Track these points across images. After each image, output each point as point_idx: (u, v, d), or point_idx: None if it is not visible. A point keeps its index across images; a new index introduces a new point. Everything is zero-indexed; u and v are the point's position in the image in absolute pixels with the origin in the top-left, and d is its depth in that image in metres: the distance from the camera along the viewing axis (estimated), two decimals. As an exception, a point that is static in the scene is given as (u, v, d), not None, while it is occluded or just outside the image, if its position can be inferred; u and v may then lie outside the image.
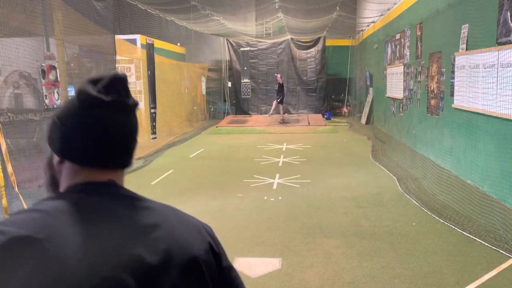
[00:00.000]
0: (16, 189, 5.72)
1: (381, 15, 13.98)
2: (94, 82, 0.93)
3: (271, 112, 17.73)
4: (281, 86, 17.17)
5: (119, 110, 0.93)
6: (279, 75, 17.66)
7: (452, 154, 7.63)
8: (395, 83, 12.16)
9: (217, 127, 16.61)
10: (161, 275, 0.87)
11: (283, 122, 17.11)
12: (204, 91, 19.60)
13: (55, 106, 7.85)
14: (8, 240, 0.79)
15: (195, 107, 18.15)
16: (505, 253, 4.23)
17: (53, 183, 0.99)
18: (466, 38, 7.04)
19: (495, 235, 4.66)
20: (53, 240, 0.81)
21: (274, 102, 17.43)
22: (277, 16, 16.22)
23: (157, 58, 12.45)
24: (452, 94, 7.64)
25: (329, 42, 20.18)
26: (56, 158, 0.96)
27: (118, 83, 0.94)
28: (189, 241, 0.95)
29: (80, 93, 0.93)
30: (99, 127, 0.92)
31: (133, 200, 0.95)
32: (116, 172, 0.98)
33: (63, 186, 0.96)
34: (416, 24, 10.06)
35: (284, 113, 17.59)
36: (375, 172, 8.11)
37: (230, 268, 1.06)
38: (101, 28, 8.33)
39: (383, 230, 5.03)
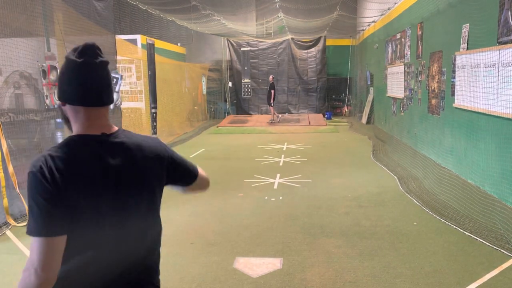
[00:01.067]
0: (17, 189, 5.72)
1: (382, 14, 13.98)
2: (74, 50, 1.45)
3: (272, 118, 17.42)
4: (272, 86, 17.02)
5: (89, 67, 1.45)
6: (271, 76, 17.64)
7: (453, 153, 7.62)
8: (396, 83, 12.15)
9: (217, 127, 16.61)
10: (142, 163, 1.53)
11: (273, 122, 16.99)
12: (204, 91, 19.61)
13: (55, 106, 7.85)
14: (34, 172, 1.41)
15: (195, 107, 18.15)
16: (506, 253, 4.23)
17: (66, 119, 1.53)
18: (467, 37, 7.03)
19: (496, 234, 4.66)
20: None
21: (271, 108, 17.31)
22: (278, 16, 16.22)
23: (158, 58, 12.44)
24: (453, 94, 7.64)
25: (329, 42, 20.18)
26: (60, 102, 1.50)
27: (88, 49, 1.46)
28: (155, 147, 1.62)
29: (65, 58, 1.47)
30: (76, 79, 1.44)
31: (123, 136, 1.56)
32: (99, 109, 1.51)
33: (72, 123, 1.51)
34: (416, 24, 10.05)
35: (274, 113, 17.46)
36: (376, 172, 8.11)
37: (177, 157, 1.71)
38: (101, 28, 8.33)
39: (384, 230, 5.03)
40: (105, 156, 1.46)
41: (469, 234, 4.75)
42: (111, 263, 1.45)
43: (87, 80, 1.45)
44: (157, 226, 1.64)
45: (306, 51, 20.21)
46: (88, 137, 1.47)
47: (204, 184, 1.83)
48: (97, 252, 1.43)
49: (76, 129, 1.49)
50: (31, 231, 1.33)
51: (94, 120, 1.50)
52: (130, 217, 1.49)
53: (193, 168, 1.77)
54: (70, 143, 1.46)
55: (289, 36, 19.77)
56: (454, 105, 7.54)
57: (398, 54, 11.96)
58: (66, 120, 1.54)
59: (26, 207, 5.69)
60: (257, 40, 20.19)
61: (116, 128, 1.58)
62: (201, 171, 1.82)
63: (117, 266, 1.46)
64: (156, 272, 1.62)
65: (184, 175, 1.75)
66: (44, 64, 7.66)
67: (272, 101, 16.93)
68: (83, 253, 1.41)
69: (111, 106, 8.55)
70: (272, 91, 16.85)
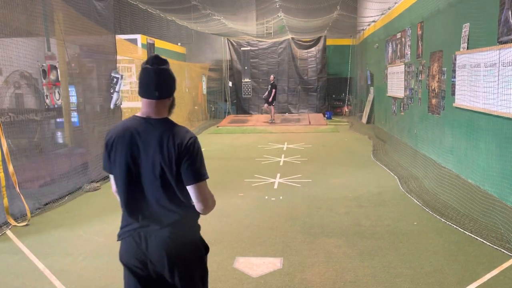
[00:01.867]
0: (17, 189, 5.72)
1: (382, 14, 13.97)
2: (146, 60, 2.10)
3: (272, 117, 17.44)
4: (274, 86, 17.11)
5: (154, 71, 2.08)
6: (272, 76, 17.76)
7: (453, 153, 7.62)
8: (396, 82, 12.15)
9: (218, 126, 16.61)
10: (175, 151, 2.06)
11: (273, 122, 17.09)
12: (204, 91, 19.60)
13: (56, 106, 7.85)
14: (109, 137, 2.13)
15: (196, 107, 18.15)
16: (507, 252, 4.22)
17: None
18: (467, 37, 7.03)
19: (497, 234, 4.66)
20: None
21: (272, 108, 17.37)
22: (278, 15, 16.22)
23: (158, 58, 12.44)
24: (453, 93, 7.63)
25: (329, 42, 20.17)
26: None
27: (150, 59, 2.09)
28: (179, 137, 2.09)
29: (141, 65, 2.10)
30: (145, 79, 2.09)
31: (162, 123, 2.12)
32: (150, 101, 2.11)
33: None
34: (417, 23, 10.05)
35: (274, 113, 17.63)
36: (376, 172, 8.11)
37: (191, 156, 2.09)
38: (101, 28, 8.32)
39: (385, 230, 5.03)
40: (134, 131, 2.11)
41: (470, 234, 4.74)
42: None
43: (142, 81, 2.11)
44: (177, 198, 2.12)
45: (306, 50, 20.20)
46: (135, 117, 2.16)
47: (197, 200, 2.12)
48: None
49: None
50: (204, 175, 2.13)
51: (146, 108, 2.14)
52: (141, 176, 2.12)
53: (195, 175, 2.10)
54: (128, 119, 2.20)
55: (289, 36, 19.76)
56: (454, 104, 7.54)
57: (399, 53, 11.95)
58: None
59: (27, 207, 5.70)
60: (257, 40, 20.19)
61: (163, 117, 2.15)
62: (204, 187, 2.15)
63: None
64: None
65: (185, 172, 2.07)
66: (44, 64, 7.66)
67: (271, 100, 16.97)
68: None
69: (111, 106, 8.55)
70: (274, 91, 16.93)
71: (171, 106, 2.20)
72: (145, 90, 2.10)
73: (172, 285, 2.13)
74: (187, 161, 2.06)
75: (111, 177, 2.26)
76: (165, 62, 2.09)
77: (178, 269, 2.10)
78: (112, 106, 8.59)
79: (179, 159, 2.05)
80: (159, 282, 2.13)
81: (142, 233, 2.11)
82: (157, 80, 2.07)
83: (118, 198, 2.22)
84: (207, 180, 2.14)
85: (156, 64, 2.07)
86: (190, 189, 2.09)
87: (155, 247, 2.09)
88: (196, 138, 2.14)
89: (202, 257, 2.23)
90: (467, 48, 7.02)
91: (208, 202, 2.16)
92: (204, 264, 2.25)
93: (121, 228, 2.19)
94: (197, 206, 2.13)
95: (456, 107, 7.47)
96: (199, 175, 2.09)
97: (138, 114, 2.15)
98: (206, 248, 2.27)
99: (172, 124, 2.13)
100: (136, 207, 2.12)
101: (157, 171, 2.06)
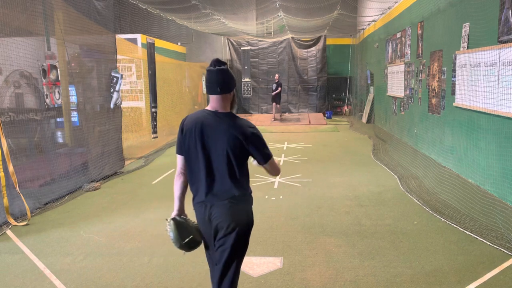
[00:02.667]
0: (17, 188, 5.72)
1: (382, 13, 13.97)
2: (210, 63, 2.56)
3: (275, 116, 17.89)
4: (280, 84, 17.55)
5: (216, 71, 2.54)
6: (277, 75, 18.15)
7: (453, 152, 7.62)
8: (396, 82, 12.14)
9: (218, 126, 16.57)
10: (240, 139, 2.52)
11: (276, 120, 17.52)
12: (204, 90, 19.59)
13: (56, 105, 7.85)
14: (183, 126, 2.65)
15: (195, 106, 18.14)
16: (507, 252, 4.22)
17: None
18: (467, 36, 7.02)
19: (497, 233, 4.66)
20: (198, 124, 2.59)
21: (279, 106, 17.90)
22: (278, 15, 16.20)
23: (158, 57, 12.44)
24: (453, 93, 7.63)
25: (330, 41, 20.17)
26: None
27: (212, 62, 2.55)
28: (240, 128, 2.54)
29: (206, 68, 2.57)
30: (209, 78, 2.54)
31: (227, 116, 2.59)
32: (215, 97, 2.57)
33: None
34: (417, 23, 10.04)
35: (278, 112, 18.04)
36: (376, 171, 8.11)
37: (254, 142, 2.59)
38: (102, 28, 8.32)
39: (385, 229, 5.03)
40: (205, 122, 2.58)
41: (470, 233, 4.74)
42: None
43: (208, 80, 2.57)
44: (237, 176, 2.59)
45: (306, 50, 20.19)
46: (204, 111, 2.63)
47: (270, 172, 2.71)
48: None
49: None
50: (269, 155, 2.65)
51: (213, 103, 2.61)
52: (207, 158, 2.60)
53: (264, 157, 2.62)
54: (199, 111, 2.65)
55: (289, 35, 19.76)
56: (454, 104, 7.54)
57: (399, 53, 11.95)
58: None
59: (27, 206, 5.70)
60: (257, 39, 20.18)
61: (227, 111, 2.62)
62: (272, 163, 2.66)
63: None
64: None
65: (256, 156, 2.63)
66: (44, 64, 7.66)
67: (277, 98, 17.48)
68: None
69: (111, 106, 8.55)
70: (280, 89, 17.34)
71: (233, 102, 2.66)
72: (210, 87, 2.58)
73: (226, 247, 2.59)
74: (253, 148, 2.58)
75: (178, 158, 2.70)
76: (224, 63, 2.58)
77: (232, 235, 2.57)
78: (112, 105, 8.59)
79: (243, 147, 2.55)
80: (218, 244, 2.62)
81: (208, 204, 2.60)
82: (218, 78, 2.54)
83: (178, 182, 2.72)
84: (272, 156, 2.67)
85: (217, 65, 2.55)
86: (265, 166, 2.66)
87: (218, 213, 2.57)
88: (255, 128, 2.61)
89: (250, 226, 2.68)
90: (467, 48, 7.01)
91: (279, 170, 2.76)
92: (248, 235, 2.67)
93: (192, 199, 2.70)
94: (272, 174, 2.74)
95: (456, 107, 7.47)
96: (266, 156, 2.63)
97: (208, 108, 2.62)
98: (252, 223, 2.69)
99: (236, 117, 2.61)
100: (202, 184, 2.60)
101: (223, 157, 2.54)
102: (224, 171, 2.56)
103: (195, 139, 2.58)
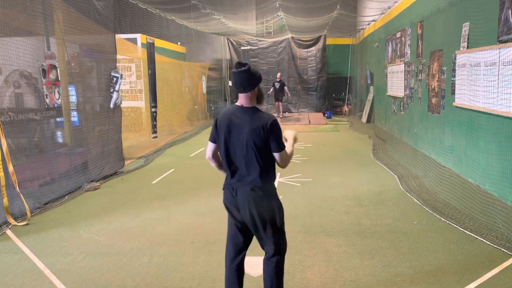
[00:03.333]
0: (17, 188, 5.72)
1: (382, 13, 13.96)
2: (234, 66, 2.91)
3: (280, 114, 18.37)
4: (283, 83, 18.04)
5: (238, 73, 2.88)
6: (279, 73, 18.56)
7: (453, 152, 7.62)
8: (396, 82, 12.14)
9: (218, 126, 16.57)
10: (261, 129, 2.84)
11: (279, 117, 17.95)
12: (204, 90, 19.59)
13: (55, 105, 7.85)
14: (216, 118, 3.00)
15: (195, 106, 18.14)
16: (507, 252, 4.22)
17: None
18: (467, 36, 7.02)
19: (497, 233, 4.66)
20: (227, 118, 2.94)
21: (280, 104, 18.35)
22: (278, 14, 16.20)
23: (158, 57, 12.45)
24: (453, 93, 7.63)
25: (329, 41, 20.16)
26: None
27: (238, 65, 2.88)
28: (262, 120, 2.87)
29: (231, 71, 2.96)
30: (234, 79, 2.90)
31: (250, 110, 2.93)
32: (241, 94, 2.92)
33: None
34: (417, 23, 10.04)
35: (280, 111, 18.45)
36: (376, 171, 8.11)
37: (273, 133, 2.87)
38: (101, 28, 8.31)
39: (385, 229, 5.03)
40: (232, 115, 2.93)
41: (470, 233, 4.74)
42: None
43: (233, 81, 2.93)
44: (259, 164, 2.90)
45: (306, 50, 20.19)
46: (234, 106, 3.00)
47: (280, 162, 2.97)
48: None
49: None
50: (284, 146, 2.96)
51: (240, 99, 2.96)
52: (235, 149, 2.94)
53: (278, 146, 2.91)
54: (230, 106, 3.05)
55: (289, 35, 19.75)
56: (454, 104, 7.54)
57: (399, 53, 11.95)
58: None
59: (26, 206, 5.69)
60: (257, 39, 20.17)
61: (252, 105, 2.95)
62: (284, 154, 2.95)
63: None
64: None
65: (272, 144, 2.90)
66: (44, 63, 7.66)
67: (279, 96, 17.98)
68: None
69: (111, 105, 8.55)
70: (285, 88, 17.93)
71: (259, 97, 2.99)
72: (236, 87, 2.93)
73: (253, 226, 2.96)
74: (271, 137, 2.86)
75: (209, 145, 3.07)
76: (245, 65, 2.88)
77: (257, 215, 2.91)
78: (112, 105, 8.59)
79: (264, 136, 2.84)
80: (245, 223, 2.99)
81: (234, 187, 2.95)
82: (241, 79, 2.88)
83: (212, 163, 3.16)
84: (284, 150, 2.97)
85: (238, 68, 2.88)
86: (276, 155, 2.93)
87: (241, 197, 2.92)
88: (276, 120, 2.90)
89: (273, 212, 2.97)
90: (467, 47, 7.01)
91: (286, 163, 3.00)
92: (275, 218, 2.99)
93: (224, 181, 3.04)
94: (280, 165, 2.98)
95: (456, 106, 7.47)
96: (282, 145, 2.92)
97: (237, 103, 2.99)
98: (277, 207, 3.00)
99: (258, 110, 2.93)
100: (230, 169, 2.97)
101: (246, 145, 2.86)
102: (248, 159, 2.89)
103: (224, 131, 2.92)
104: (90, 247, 4.71)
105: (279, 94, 17.84)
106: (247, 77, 2.87)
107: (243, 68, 2.86)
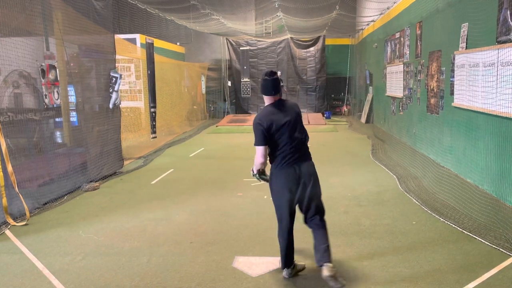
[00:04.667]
0: (16, 188, 5.72)
1: (381, 14, 13.98)
2: (265, 73, 3.78)
3: None
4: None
5: (270, 80, 3.74)
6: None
7: (452, 152, 7.63)
8: (395, 82, 12.16)
9: (217, 126, 16.61)
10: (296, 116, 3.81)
11: None
12: (204, 90, 19.59)
13: (55, 105, 7.84)
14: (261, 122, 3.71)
15: (195, 106, 18.14)
16: (505, 252, 4.23)
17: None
18: (466, 36, 7.04)
19: (495, 233, 4.67)
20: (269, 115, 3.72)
21: None
22: (277, 15, 16.20)
23: (157, 57, 12.44)
24: (452, 93, 7.64)
25: (328, 41, 20.17)
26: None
27: (270, 73, 3.77)
28: (295, 108, 3.84)
29: (263, 76, 3.78)
30: (265, 84, 3.76)
31: (285, 103, 3.84)
32: (275, 95, 3.76)
33: (265, 102, 3.84)
34: (416, 23, 10.06)
35: None
36: (375, 171, 8.11)
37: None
38: (100, 28, 8.31)
39: (384, 229, 5.03)
40: (275, 113, 3.70)
41: (468, 233, 4.75)
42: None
43: (265, 85, 3.72)
44: (305, 137, 3.80)
45: (305, 50, 20.20)
46: (268, 106, 3.76)
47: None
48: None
49: (266, 103, 3.79)
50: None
51: (268, 101, 3.76)
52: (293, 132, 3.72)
53: (303, 127, 3.85)
54: (265, 109, 3.75)
55: (288, 35, 19.75)
56: (453, 104, 7.55)
57: (397, 53, 11.96)
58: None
59: (25, 206, 5.69)
60: (256, 39, 20.18)
61: (280, 99, 3.79)
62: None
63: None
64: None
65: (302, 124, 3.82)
66: (43, 64, 7.66)
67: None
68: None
69: (110, 106, 8.55)
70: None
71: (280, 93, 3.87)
72: (267, 91, 3.72)
73: (310, 189, 3.77)
74: (301, 119, 3.79)
75: (261, 149, 3.71)
76: (275, 73, 3.74)
77: (314, 179, 3.83)
78: (111, 105, 8.59)
79: (300, 119, 3.77)
80: (303, 189, 3.75)
81: (297, 164, 3.74)
82: (272, 85, 3.71)
83: (262, 165, 3.89)
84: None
85: (270, 76, 3.70)
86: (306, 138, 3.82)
87: (306, 170, 3.76)
88: (297, 105, 3.92)
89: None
90: (466, 48, 7.02)
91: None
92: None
93: (278, 164, 3.78)
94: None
95: (455, 107, 7.48)
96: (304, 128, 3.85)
97: (268, 104, 3.76)
98: None
99: (286, 101, 3.85)
100: (290, 151, 3.72)
101: (295, 129, 3.69)
102: (299, 138, 3.73)
103: (280, 124, 3.63)
104: (89, 247, 4.71)
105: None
106: (277, 83, 3.69)
107: (275, 77, 3.70)
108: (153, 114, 11.81)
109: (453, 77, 7.55)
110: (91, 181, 7.51)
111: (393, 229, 5.02)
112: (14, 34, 6.16)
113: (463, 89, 7.11)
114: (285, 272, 3.86)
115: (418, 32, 9.87)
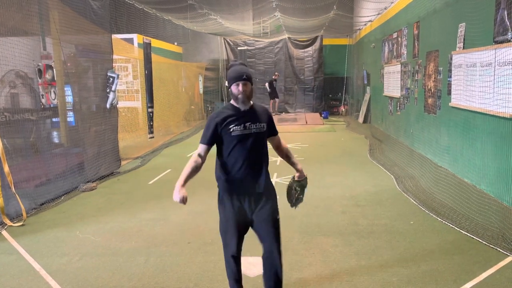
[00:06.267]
0: (13, 189, 5.70)
1: (378, 14, 13.99)
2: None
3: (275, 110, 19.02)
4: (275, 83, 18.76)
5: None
6: (277, 73, 19.17)
7: (449, 152, 7.64)
8: (393, 82, 12.17)
9: (214, 126, 16.55)
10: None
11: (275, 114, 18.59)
12: (201, 90, 19.57)
13: (51, 105, 7.82)
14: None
15: (192, 107, 18.12)
16: (503, 251, 4.24)
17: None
18: (463, 36, 7.05)
19: (493, 233, 4.68)
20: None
21: (276, 101, 19.02)
22: (275, 15, 16.20)
23: (154, 57, 12.42)
24: (449, 93, 7.66)
25: (326, 41, 20.18)
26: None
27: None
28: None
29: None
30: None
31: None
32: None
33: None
34: (413, 23, 10.07)
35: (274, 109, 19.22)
36: (373, 171, 8.12)
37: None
38: (98, 27, 8.29)
39: (381, 229, 5.04)
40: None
41: (466, 233, 4.76)
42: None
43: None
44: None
45: (303, 50, 20.21)
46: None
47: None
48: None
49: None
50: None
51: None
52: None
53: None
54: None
55: (286, 36, 19.76)
56: (450, 104, 7.56)
57: (395, 53, 11.98)
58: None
59: (22, 207, 5.67)
60: (254, 39, 20.18)
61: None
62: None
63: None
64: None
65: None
66: (40, 64, 7.64)
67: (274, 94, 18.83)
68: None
69: (108, 106, 8.52)
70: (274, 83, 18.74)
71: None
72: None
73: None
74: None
75: None
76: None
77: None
78: (108, 105, 8.57)
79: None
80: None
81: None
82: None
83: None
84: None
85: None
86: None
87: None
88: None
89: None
90: (463, 48, 7.04)
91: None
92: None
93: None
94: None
95: (452, 107, 7.49)
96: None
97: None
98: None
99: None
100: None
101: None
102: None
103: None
104: (87, 248, 4.69)
105: (275, 91, 18.78)
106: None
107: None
108: (151, 114, 11.80)
109: (451, 77, 7.56)
110: (88, 182, 7.49)
111: (390, 229, 5.02)
112: (10, 34, 6.13)
113: (460, 89, 7.12)
114: None
115: (416, 32, 9.88)
